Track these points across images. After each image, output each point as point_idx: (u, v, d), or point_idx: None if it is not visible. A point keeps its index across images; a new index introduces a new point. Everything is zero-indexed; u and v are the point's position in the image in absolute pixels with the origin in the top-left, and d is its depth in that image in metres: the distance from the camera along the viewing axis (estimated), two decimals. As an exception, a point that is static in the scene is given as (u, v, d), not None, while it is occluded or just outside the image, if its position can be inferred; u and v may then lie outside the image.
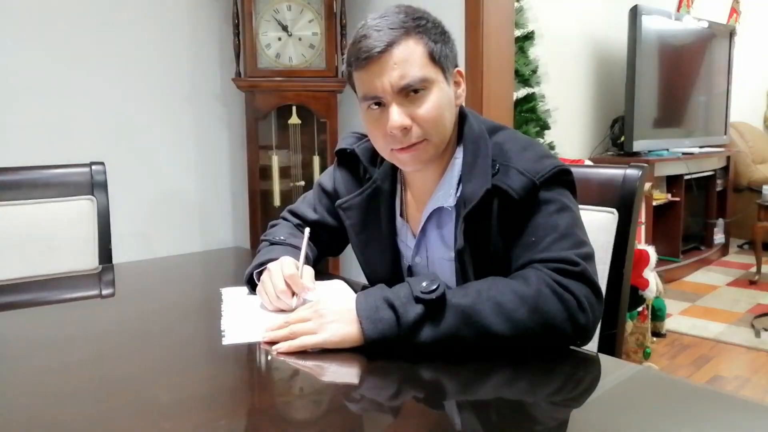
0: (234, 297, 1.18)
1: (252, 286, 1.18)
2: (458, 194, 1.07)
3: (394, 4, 1.06)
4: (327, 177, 1.28)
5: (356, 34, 1.03)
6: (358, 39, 1.02)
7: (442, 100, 1.03)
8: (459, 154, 1.10)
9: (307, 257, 1.21)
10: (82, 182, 1.62)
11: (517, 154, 1.04)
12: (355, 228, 1.20)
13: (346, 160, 1.23)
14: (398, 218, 1.19)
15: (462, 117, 1.12)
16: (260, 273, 1.14)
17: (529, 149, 1.05)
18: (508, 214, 1.01)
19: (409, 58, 0.99)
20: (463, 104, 1.13)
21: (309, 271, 1.14)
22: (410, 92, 1.01)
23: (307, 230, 1.18)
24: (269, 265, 1.13)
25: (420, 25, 1.01)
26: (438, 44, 1.02)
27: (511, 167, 1.02)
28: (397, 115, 1.01)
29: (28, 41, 2.27)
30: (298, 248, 1.16)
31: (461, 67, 1.12)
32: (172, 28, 2.62)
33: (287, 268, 1.08)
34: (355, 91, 1.08)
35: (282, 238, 1.23)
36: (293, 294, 1.07)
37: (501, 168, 1.02)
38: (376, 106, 1.03)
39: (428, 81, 1.01)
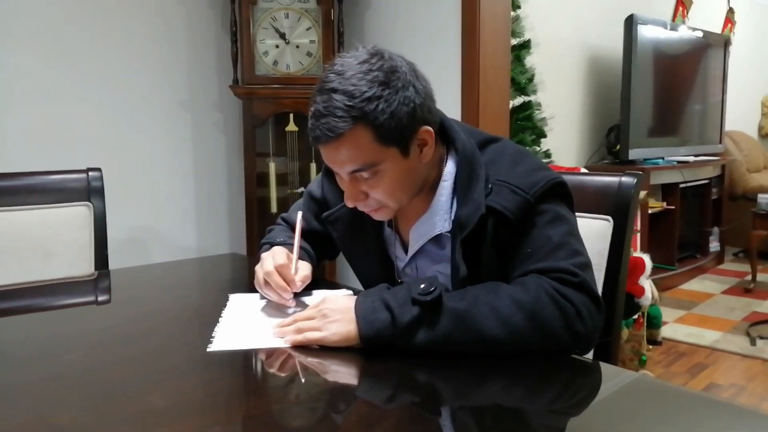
0: (239, 303, 1.17)
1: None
2: (452, 216, 1.06)
3: (367, 43, 1.01)
4: (315, 185, 1.28)
5: (314, 95, 0.98)
6: (312, 105, 0.98)
7: (396, 176, 1.01)
8: (448, 177, 1.08)
9: (310, 255, 1.23)
10: (79, 188, 1.62)
11: (508, 170, 1.02)
12: (343, 240, 1.20)
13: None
14: (386, 229, 1.18)
15: (449, 132, 1.09)
16: None
17: (520, 163, 1.04)
18: (503, 232, 1.00)
19: (356, 148, 0.96)
20: (444, 119, 1.09)
21: (304, 266, 1.14)
22: (361, 174, 1.00)
23: (299, 214, 1.18)
24: (262, 255, 1.14)
25: (368, 111, 0.94)
26: (390, 122, 0.95)
27: (503, 186, 1.00)
28: (349, 194, 1.03)
29: (25, 48, 2.28)
30: (300, 248, 1.17)
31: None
32: (170, 36, 2.63)
33: (278, 258, 1.10)
34: None
35: (281, 239, 1.23)
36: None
37: (494, 187, 1.01)
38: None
39: (378, 164, 0.99)
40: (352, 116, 0.94)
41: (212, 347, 0.96)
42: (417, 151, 1.02)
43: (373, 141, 0.96)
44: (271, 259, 1.11)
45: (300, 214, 1.18)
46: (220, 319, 1.09)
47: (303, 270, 1.13)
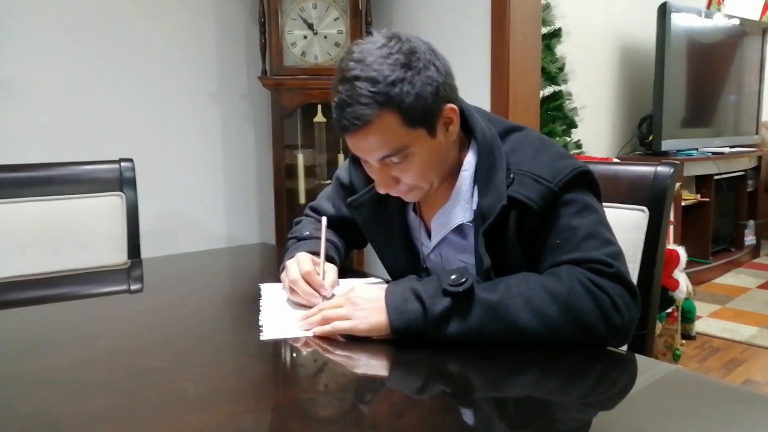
0: (273, 292, 1.17)
1: None
2: (474, 206, 1.05)
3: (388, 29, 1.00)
4: (344, 170, 1.27)
5: (335, 85, 0.97)
6: (335, 95, 0.97)
7: (425, 157, 1.00)
8: (468, 166, 1.07)
9: (337, 248, 1.22)
10: (112, 179, 1.64)
11: (531, 159, 1.01)
12: (367, 226, 1.20)
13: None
14: (411, 214, 1.17)
15: (469, 120, 1.07)
16: None
17: (543, 152, 1.02)
18: (527, 223, 0.99)
19: (384, 133, 0.95)
20: (465, 106, 1.08)
21: (331, 269, 1.13)
22: (391, 159, 0.99)
23: (324, 219, 1.17)
24: (286, 263, 1.13)
25: (394, 94, 0.93)
26: (416, 103, 0.95)
27: (525, 175, 0.99)
28: (380, 181, 1.03)
29: (56, 40, 2.31)
30: (326, 241, 1.16)
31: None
32: (199, 27, 2.64)
33: (303, 265, 1.09)
34: None
35: (307, 233, 1.23)
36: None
37: (516, 177, 0.99)
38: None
39: (407, 147, 0.98)
40: (378, 102, 0.93)
41: (264, 336, 0.96)
42: (443, 129, 1.01)
43: (401, 125, 0.95)
44: (296, 266, 1.09)
45: (324, 219, 1.17)
46: (260, 308, 1.09)
47: (330, 274, 1.11)
